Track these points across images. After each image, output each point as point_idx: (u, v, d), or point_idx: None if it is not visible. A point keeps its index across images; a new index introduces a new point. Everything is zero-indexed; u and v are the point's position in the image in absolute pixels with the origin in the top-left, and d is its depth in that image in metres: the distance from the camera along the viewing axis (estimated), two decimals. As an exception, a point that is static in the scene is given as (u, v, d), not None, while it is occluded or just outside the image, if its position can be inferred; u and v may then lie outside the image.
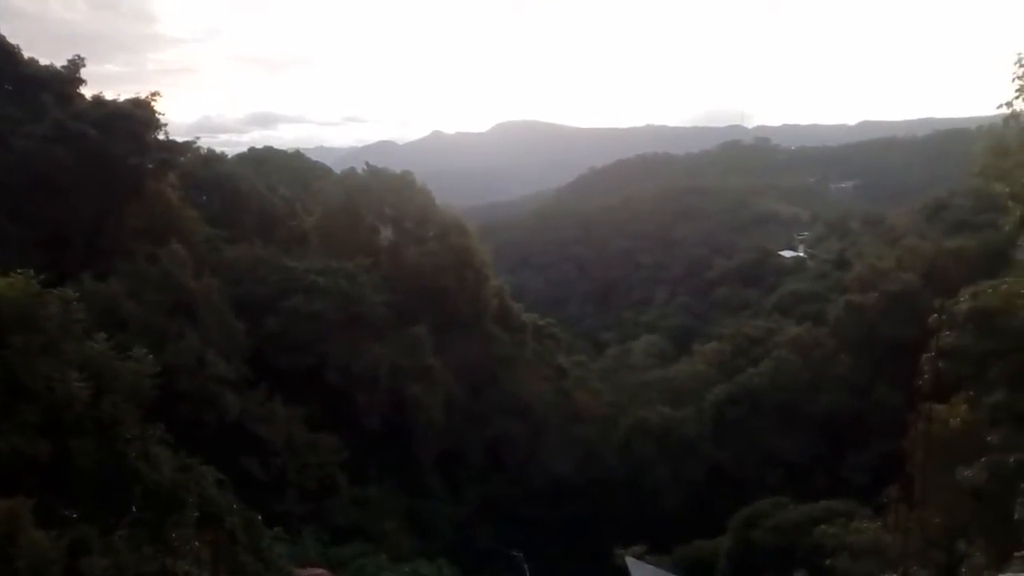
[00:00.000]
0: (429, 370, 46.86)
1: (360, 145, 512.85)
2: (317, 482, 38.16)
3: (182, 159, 45.74)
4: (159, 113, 41.55)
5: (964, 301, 19.71)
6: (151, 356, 17.36)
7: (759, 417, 50.55)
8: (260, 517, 22.87)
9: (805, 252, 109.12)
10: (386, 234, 55.82)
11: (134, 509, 15.17)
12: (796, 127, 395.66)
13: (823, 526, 29.00)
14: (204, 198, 50.56)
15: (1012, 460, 17.51)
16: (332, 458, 39.08)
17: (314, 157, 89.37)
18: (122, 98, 41.61)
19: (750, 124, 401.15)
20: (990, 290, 19.25)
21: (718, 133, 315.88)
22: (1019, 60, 14.34)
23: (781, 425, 49.40)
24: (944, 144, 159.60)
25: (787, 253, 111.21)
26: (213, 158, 57.96)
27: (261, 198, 54.37)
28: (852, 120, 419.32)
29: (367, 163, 62.17)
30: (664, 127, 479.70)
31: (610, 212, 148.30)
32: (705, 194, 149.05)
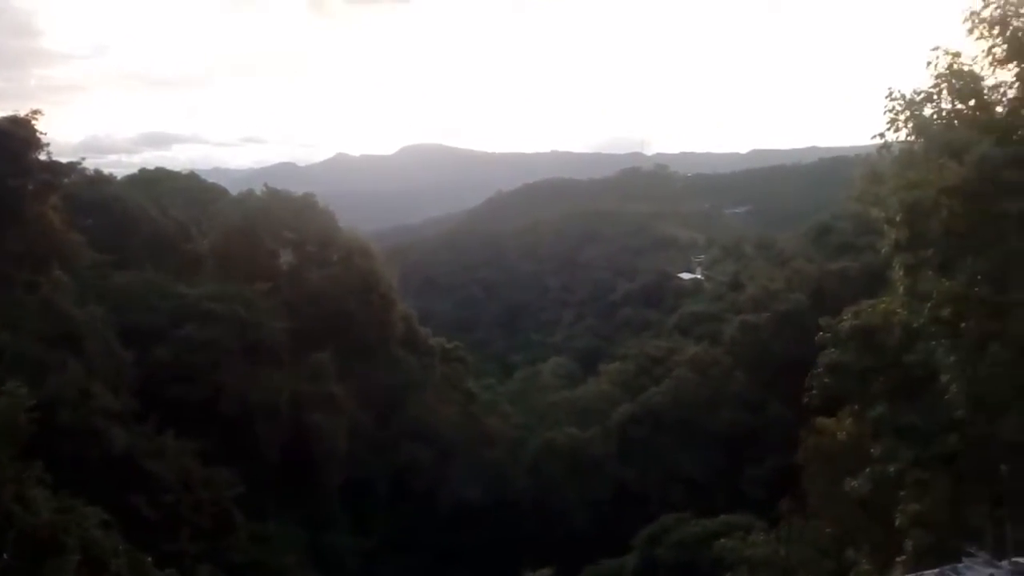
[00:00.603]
0: (332, 398, 45.77)
1: (260, 167, 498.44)
2: (212, 519, 36.41)
3: (66, 180, 43.33)
4: (40, 132, 39.24)
5: (846, 320, 20.78)
6: (26, 389, 16.30)
7: (662, 435, 51.84)
8: (150, 558, 21.69)
9: (702, 274, 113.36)
10: (286, 258, 54.38)
11: (6, 556, 14.17)
12: (692, 155, 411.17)
13: (722, 540, 29.88)
14: (90, 221, 47.91)
15: (892, 470, 18.51)
16: (228, 493, 37.41)
17: (211, 179, 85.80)
18: (-1, 115, 39.11)
19: (649, 151, 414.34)
20: (870, 309, 20.38)
21: (619, 160, 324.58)
22: (890, 95, 15.30)
23: (683, 442, 50.80)
24: (828, 171, 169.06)
25: (686, 275, 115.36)
26: (100, 179, 55.09)
27: (152, 221, 52.05)
28: (744, 148, 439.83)
29: (266, 185, 60.53)
30: (568, 153, 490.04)
31: (517, 235, 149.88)
32: (608, 218, 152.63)
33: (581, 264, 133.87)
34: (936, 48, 14.96)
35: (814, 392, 21.41)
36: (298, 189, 61.22)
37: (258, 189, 60.69)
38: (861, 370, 20.07)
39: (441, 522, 49.01)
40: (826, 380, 21.04)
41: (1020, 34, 14.25)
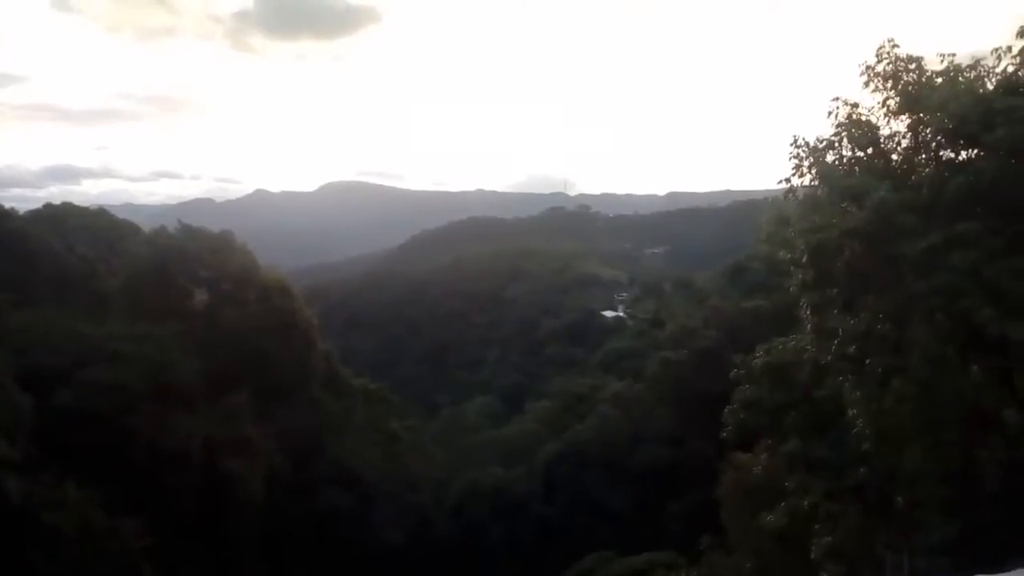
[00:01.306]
0: (248, 442, 44.01)
1: (174, 202, 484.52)
2: (117, 573, 34.28)
3: (-39, 214, 41.00)
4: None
5: (759, 356, 21.39)
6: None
7: (587, 472, 52.02)
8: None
9: (625, 312, 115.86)
10: (201, 297, 52.48)
11: None
12: (613, 196, 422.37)
13: (646, 578, 30.00)
14: (-13, 258, 45.41)
15: (806, 503, 19.01)
16: (136, 544, 35.30)
17: (122, 215, 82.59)
18: None
19: (572, 192, 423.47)
20: (781, 346, 21.05)
21: (543, 199, 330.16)
22: (795, 142, 16.04)
23: (607, 479, 51.07)
24: (742, 213, 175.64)
25: (609, 313, 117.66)
26: (1, 214, 52.40)
27: (56, 258, 49.66)
28: (662, 191, 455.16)
29: (180, 221, 58.56)
30: (493, 192, 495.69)
31: (442, 273, 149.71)
32: (533, 257, 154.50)
33: (506, 302, 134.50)
34: (836, 99, 15.85)
35: (730, 428, 21.86)
36: (215, 226, 59.48)
37: (172, 226, 58.64)
38: (774, 406, 20.61)
39: (364, 569, 47.57)
40: (741, 416, 21.51)
41: (910, 88, 15.23)
